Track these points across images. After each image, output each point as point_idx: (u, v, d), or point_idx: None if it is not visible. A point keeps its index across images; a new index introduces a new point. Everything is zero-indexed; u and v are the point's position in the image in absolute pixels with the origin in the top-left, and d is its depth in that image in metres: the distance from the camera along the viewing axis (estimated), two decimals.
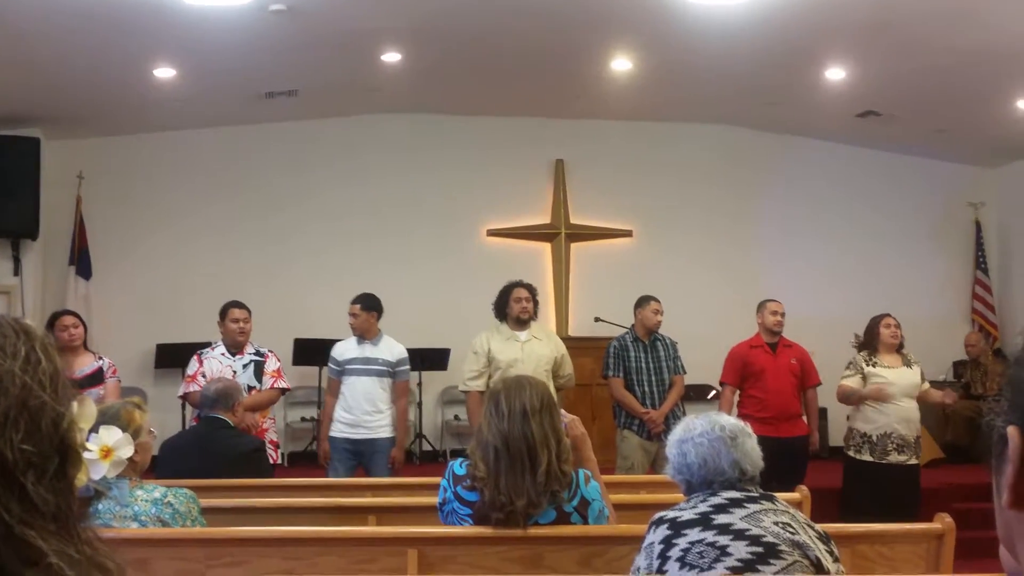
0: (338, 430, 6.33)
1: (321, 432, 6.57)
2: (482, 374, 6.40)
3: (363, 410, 6.29)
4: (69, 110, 8.75)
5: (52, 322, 6.23)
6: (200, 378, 6.05)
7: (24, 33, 6.78)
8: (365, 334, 6.42)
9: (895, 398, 6.45)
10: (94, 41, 7.07)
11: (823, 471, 6.92)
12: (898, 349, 6.65)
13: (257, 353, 6.23)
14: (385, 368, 6.37)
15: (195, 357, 6.28)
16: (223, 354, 6.18)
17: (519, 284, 6.60)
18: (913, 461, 6.51)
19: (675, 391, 6.80)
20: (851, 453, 6.62)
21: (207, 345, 6.39)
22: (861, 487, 6.53)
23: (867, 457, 6.49)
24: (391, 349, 6.44)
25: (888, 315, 6.72)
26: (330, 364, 6.53)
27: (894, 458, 6.44)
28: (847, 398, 6.61)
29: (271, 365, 6.20)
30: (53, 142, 9.11)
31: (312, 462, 8.40)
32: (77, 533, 0.91)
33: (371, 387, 6.32)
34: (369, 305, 6.46)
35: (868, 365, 6.58)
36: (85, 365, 6.05)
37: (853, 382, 6.58)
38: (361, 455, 6.33)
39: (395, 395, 6.43)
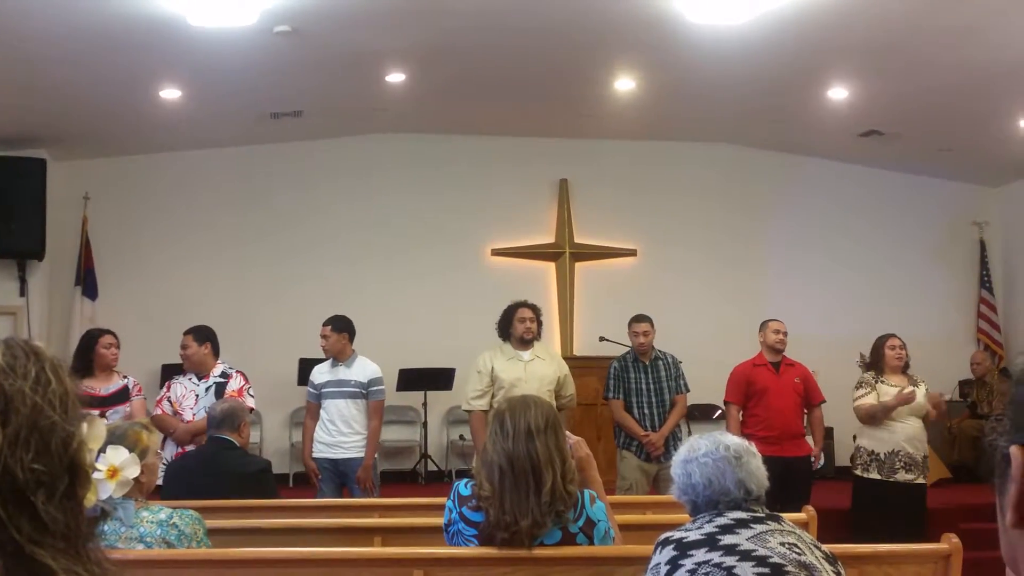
0: (319, 451, 6.38)
1: (304, 452, 6.56)
2: (485, 394, 6.37)
3: (339, 431, 6.35)
4: (75, 131, 8.79)
5: (94, 339, 6.18)
6: (165, 402, 6.05)
7: (30, 55, 6.82)
8: (338, 356, 6.45)
9: (916, 397, 6.38)
10: (100, 63, 7.11)
11: (830, 491, 6.89)
12: (904, 369, 6.61)
13: (223, 375, 6.14)
14: (357, 389, 6.39)
15: (168, 382, 6.32)
16: (190, 379, 6.16)
17: (523, 304, 6.56)
18: (920, 480, 6.48)
19: (676, 411, 6.73)
20: (858, 472, 6.56)
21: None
22: (869, 506, 6.49)
23: (875, 475, 6.45)
24: (363, 370, 6.45)
25: (892, 335, 6.67)
26: (308, 388, 6.59)
27: (901, 476, 6.40)
28: (871, 416, 6.45)
29: (233, 385, 6.07)
30: (59, 163, 9.15)
31: None
32: (86, 552, 0.91)
33: (345, 409, 6.36)
34: (340, 327, 6.48)
35: (877, 383, 6.55)
36: (111, 384, 6.08)
37: (871, 399, 6.48)
38: (343, 475, 6.37)
39: (368, 415, 6.43)
